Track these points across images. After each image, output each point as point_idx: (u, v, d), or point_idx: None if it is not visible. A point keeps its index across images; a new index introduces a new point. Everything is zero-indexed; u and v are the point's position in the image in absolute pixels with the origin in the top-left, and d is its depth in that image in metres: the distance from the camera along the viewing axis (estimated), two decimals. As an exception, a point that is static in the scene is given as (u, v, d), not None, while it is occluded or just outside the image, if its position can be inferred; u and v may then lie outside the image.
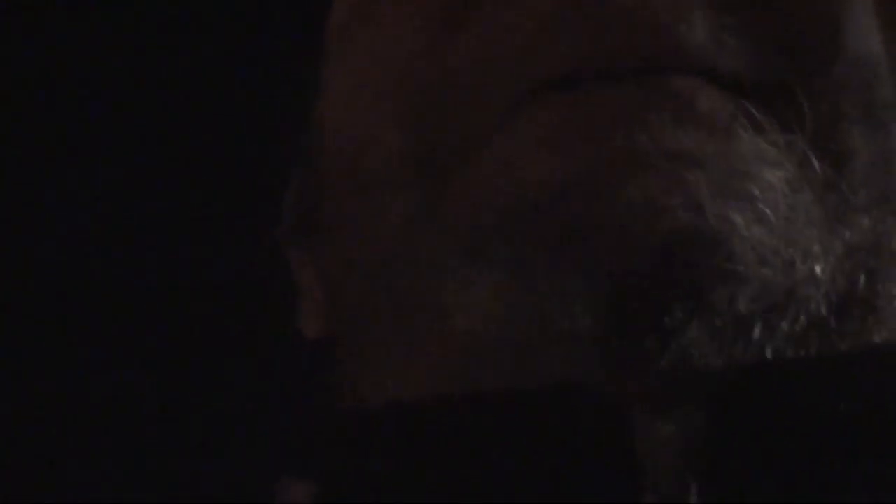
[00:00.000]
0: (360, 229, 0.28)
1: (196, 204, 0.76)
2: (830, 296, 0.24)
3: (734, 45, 0.25)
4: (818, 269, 0.23)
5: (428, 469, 0.24)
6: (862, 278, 0.25)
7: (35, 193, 0.78)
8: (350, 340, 0.30)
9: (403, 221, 0.26)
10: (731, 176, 0.23)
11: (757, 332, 0.23)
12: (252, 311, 0.71)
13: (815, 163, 0.24)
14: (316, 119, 0.32)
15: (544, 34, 0.24)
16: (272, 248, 0.37)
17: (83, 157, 0.77)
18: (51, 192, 0.77)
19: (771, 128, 0.24)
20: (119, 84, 0.77)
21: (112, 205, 0.77)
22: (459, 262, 0.25)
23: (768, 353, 0.23)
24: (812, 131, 0.24)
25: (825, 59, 0.26)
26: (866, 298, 0.25)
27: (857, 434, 0.23)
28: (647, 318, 0.23)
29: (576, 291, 0.23)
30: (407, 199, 0.26)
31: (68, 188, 0.77)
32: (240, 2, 0.74)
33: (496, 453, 0.23)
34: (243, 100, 0.74)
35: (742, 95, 0.24)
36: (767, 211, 0.23)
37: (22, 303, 0.77)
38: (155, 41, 0.75)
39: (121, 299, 0.76)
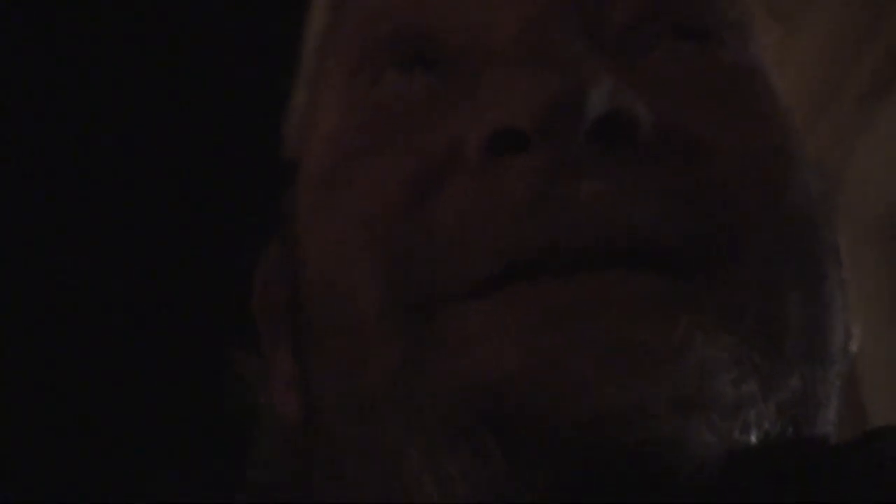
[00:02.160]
0: (344, 373, 0.31)
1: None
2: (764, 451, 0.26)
3: (684, 224, 0.28)
4: (753, 437, 0.26)
5: None
6: (790, 429, 0.27)
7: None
8: (324, 442, 0.33)
9: (383, 380, 0.29)
10: (685, 390, 0.25)
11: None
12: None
13: (755, 355, 0.26)
14: (300, 263, 0.35)
15: (516, 217, 0.27)
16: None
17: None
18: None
19: (717, 323, 0.26)
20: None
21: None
22: (428, 443, 0.27)
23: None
24: (754, 308, 0.27)
25: (767, 227, 0.29)
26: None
27: None
28: None
29: (533, 484, 0.25)
30: (388, 356, 0.29)
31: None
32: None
33: None
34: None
35: (692, 275, 0.27)
36: (714, 417, 0.25)
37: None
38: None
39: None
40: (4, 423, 0.82)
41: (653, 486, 0.25)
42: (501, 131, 0.28)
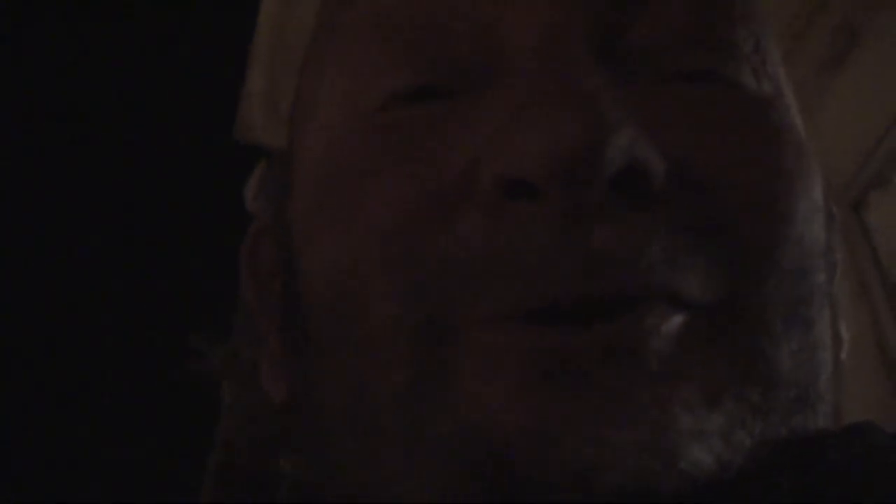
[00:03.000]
0: (347, 386, 0.30)
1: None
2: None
3: (694, 272, 0.28)
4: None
5: None
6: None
7: None
8: (318, 434, 0.32)
9: (389, 401, 0.28)
10: (677, 461, 0.25)
11: None
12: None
13: (749, 417, 0.27)
14: (297, 262, 0.34)
15: (531, 263, 0.27)
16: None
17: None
18: None
19: (717, 388, 0.27)
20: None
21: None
22: (427, 479, 0.27)
23: None
24: (753, 363, 0.28)
25: (768, 277, 0.29)
26: None
27: None
28: None
29: None
30: (395, 379, 0.28)
31: None
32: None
33: None
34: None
35: (692, 316, 0.27)
36: (703, 482, 0.25)
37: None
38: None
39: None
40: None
41: None
42: (515, 180, 0.27)
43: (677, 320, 0.27)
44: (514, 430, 0.26)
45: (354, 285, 0.30)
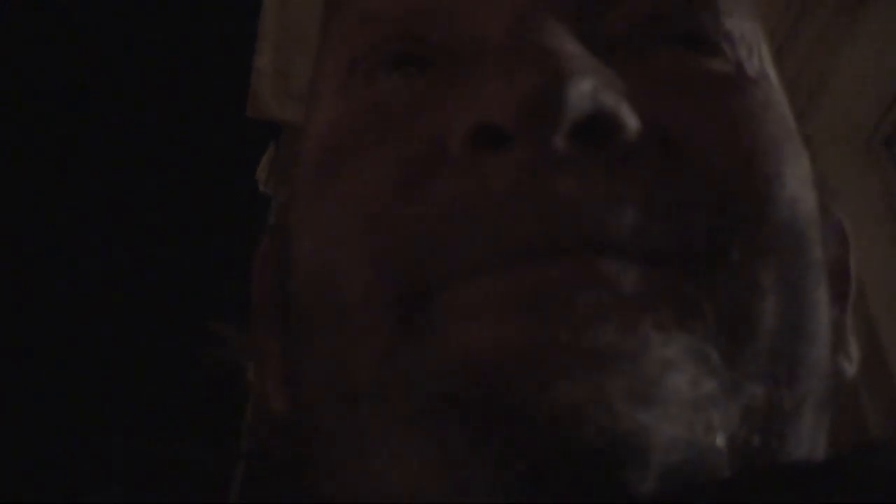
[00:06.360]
0: (331, 362, 0.31)
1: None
2: (731, 458, 0.26)
3: (659, 226, 0.28)
4: (718, 440, 0.26)
5: None
6: (756, 439, 0.27)
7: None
8: (313, 437, 0.33)
9: (368, 366, 0.29)
10: (640, 385, 0.25)
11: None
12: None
13: (715, 354, 0.27)
14: (291, 254, 0.35)
15: (494, 213, 0.28)
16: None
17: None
18: None
19: (676, 320, 0.27)
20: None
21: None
22: (400, 429, 0.28)
23: None
24: (722, 306, 0.28)
25: (746, 236, 0.29)
26: (763, 455, 0.28)
27: None
28: None
29: (494, 474, 0.26)
30: (373, 343, 0.29)
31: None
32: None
33: None
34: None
35: (665, 267, 0.28)
36: (673, 410, 0.25)
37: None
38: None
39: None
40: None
41: (617, 479, 0.25)
42: (481, 127, 0.28)
43: (641, 266, 0.27)
44: (499, 356, 0.26)
45: (332, 257, 0.31)
